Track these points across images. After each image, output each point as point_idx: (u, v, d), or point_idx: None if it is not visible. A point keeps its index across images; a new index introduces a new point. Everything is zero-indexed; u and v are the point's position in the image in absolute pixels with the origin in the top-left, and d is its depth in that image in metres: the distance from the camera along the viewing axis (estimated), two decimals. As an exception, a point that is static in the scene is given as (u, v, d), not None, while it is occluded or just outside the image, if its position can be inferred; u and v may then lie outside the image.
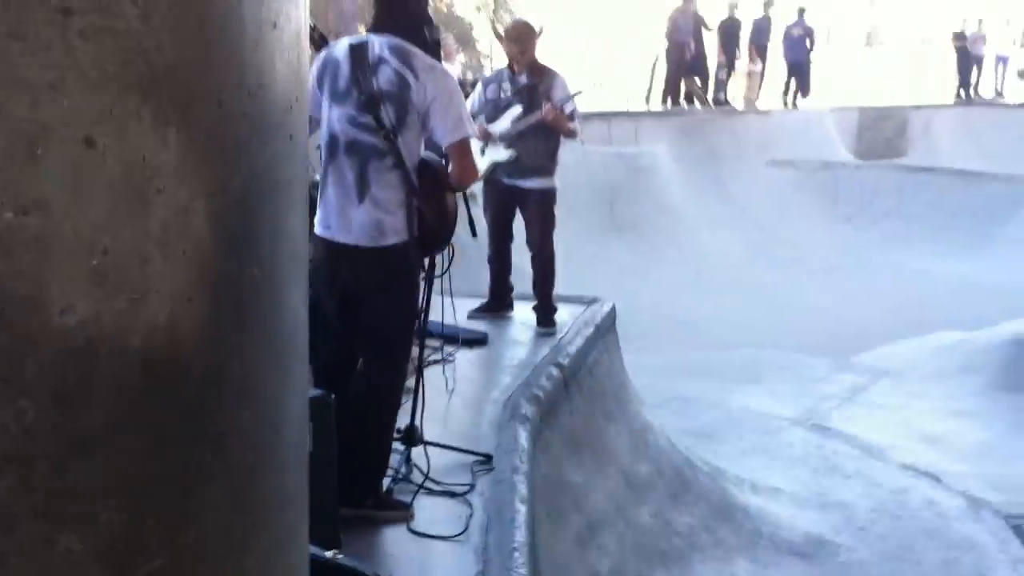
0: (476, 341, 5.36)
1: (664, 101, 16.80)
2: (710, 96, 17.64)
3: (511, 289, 6.08)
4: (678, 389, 8.54)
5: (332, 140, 3.47)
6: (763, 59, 18.64)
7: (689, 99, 17.37)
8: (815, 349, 10.37)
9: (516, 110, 5.74)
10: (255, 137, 1.58)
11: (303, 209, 1.92)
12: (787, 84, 19.09)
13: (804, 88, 18.98)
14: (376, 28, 3.54)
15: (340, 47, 3.54)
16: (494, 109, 5.81)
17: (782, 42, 18.72)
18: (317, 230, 3.53)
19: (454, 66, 14.28)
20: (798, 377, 9.41)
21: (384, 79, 3.41)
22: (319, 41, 3.96)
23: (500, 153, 5.75)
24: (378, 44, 3.46)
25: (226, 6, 1.53)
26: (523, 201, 5.83)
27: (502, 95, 5.79)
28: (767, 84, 19.36)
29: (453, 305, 4.81)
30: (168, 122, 1.40)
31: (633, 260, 13.17)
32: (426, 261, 3.71)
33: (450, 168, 3.57)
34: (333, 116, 3.47)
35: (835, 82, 22.48)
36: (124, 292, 1.36)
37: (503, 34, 6.02)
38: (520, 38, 5.81)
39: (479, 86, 6.07)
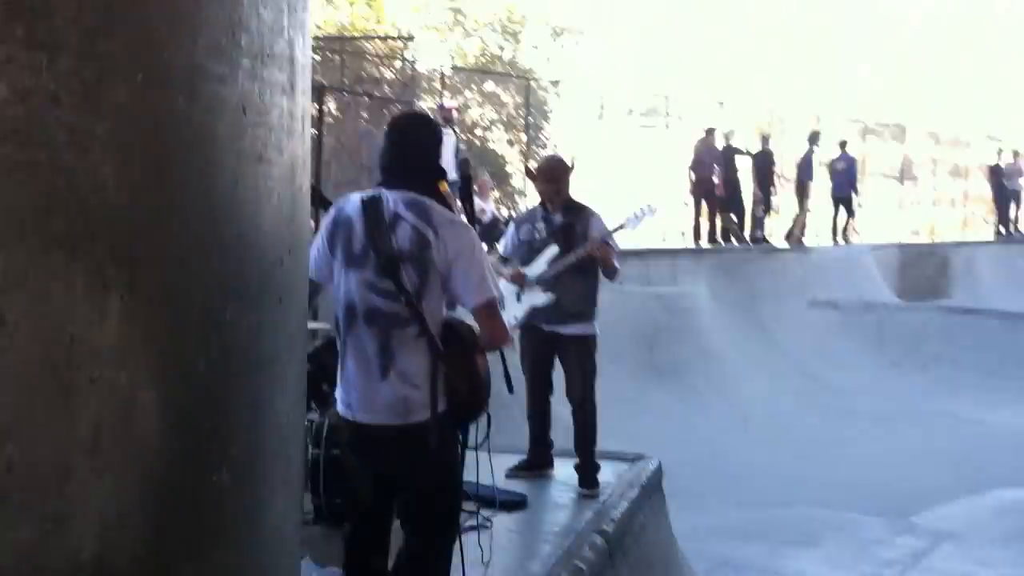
0: (515, 504, 4.88)
1: (696, 239, 16.53)
2: (747, 233, 17.36)
3: (551, 445, 5.62)
4: (727, 553, 7.92)
5: (350, 309, 3.14)
6: (806, 195, 18.38)
7: (725, 236, 17.09)
8: (870, 507, 9.68)
9: (553, 250, 5.40)
10: (231, 303, 1.17)
11: (297, 390, 1.50)
12: (835, 219, 18.82)
13: (851, 217, 18.73)
14: (388, 182, 3.20)
15: (351, 204, 3.21)
16: (529, 251, 5.47)
17: (830, 177, 18.55)
18: (339, 409, 3.21)
19: (488, 202, 14.16)
20: (855, 540, 8.74)
21: (403, 238, 3.09)
22: (319, 203, 3.71)
23: (537, 297, 5.39)
24: (392, 199, 3.14)
25: (196, 131, 1.15)
26: (563, 349, 5.44)
27: (536, 236, 5.46)
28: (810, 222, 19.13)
29: (491, 464, 4.48)
30: (108, 286, 1.01)
31: (676, 407, 12.65)
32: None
33: (478, 330, 3.21)
34: (350, 282, 3.14)
35: (873, 219, 22.22)
36: (33, 518, 0.96)
37: (535, 172, 5.66)
38: (554, 176, 5.47)
39: (511, 227, 5.75)
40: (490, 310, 3.14)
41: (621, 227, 5.67)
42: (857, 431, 13.02)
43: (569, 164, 5.67)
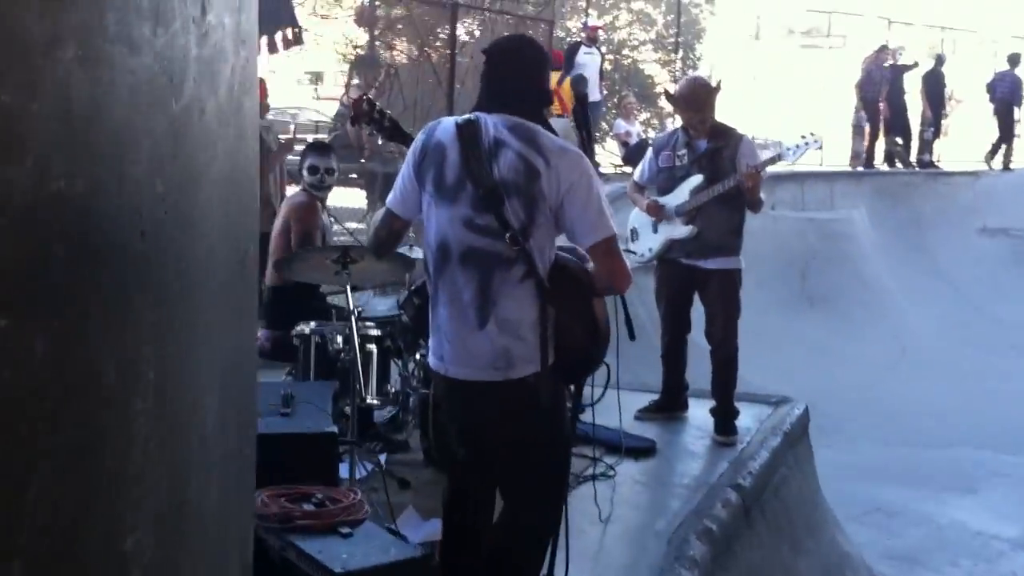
0: (642, 451, 4.61)
1: (867, 164, 15.62)
2: (913, 157, 16.34)
3: (687, 387, 5.31)
4: (879, 498, 7.51)
5: (442, 249, 2.77)
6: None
7: (890, 160, 16.14)
8: (1039, 451, 9.05)
9: (696, 180, 4.97)
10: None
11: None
12: (996, 143, 17.52)
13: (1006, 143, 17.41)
14: (486, 105, 2.82)
15: (443, 129, 2.81)
16: (669, 178, 5.08)
17: (989, 95, 17.21)
18: (430, 361, 2.89)
19: (634, 125, 13.71)
20: (1019, 486, 8.17)
21: (506, 166, 2.69)
22: (378, 119, 3.43)
23: (678, 229, 5.02)
24: (492, 124, 2.75)
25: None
26: (704, 284, 5.05)
27: (677, 162, 5.04)
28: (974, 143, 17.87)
29: (619, 404, 4.23)
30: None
31: (827, 337, 12.08)
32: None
33: (593, 271, 2.81)
34: (442, 218, 2.77)
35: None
36: None
37: (676, 97, 5.14)
38: (698, 103, 4.98)
39: (649, 153, 5.31)
40: (609, 249, 2.72)
41: (778, 157, 5.13)
42: (1024, 368, 12.21)
43: (714, 86, 5.17)
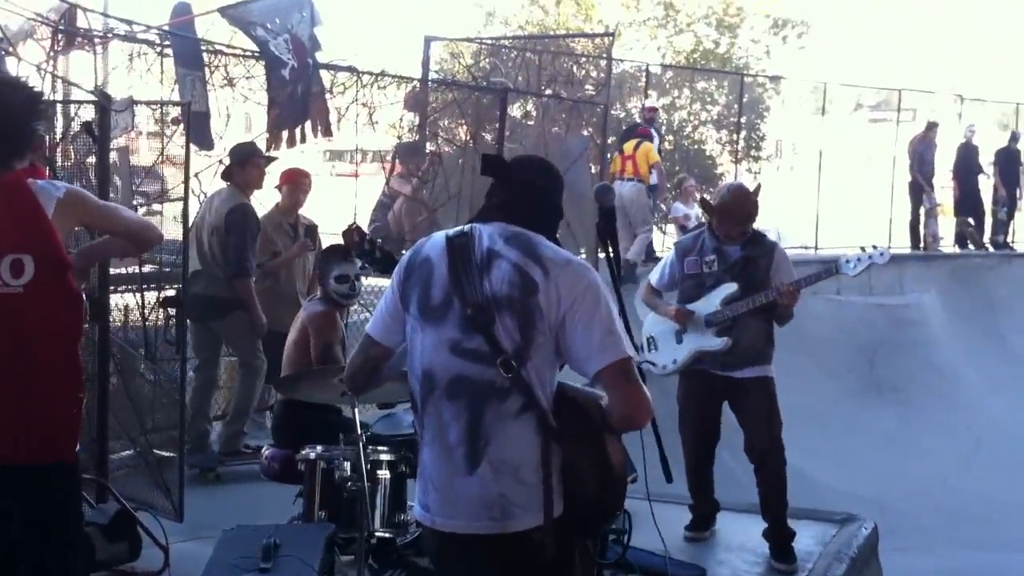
0: (689, 582, 4.20)
1: (914, 246, 15.07)
2: (987, 238, 15.75)
3: (718, 508, 4.90)
4: (954, 609, 6.94)
5: (427, 378, 2.44)
6: None
7: (962, 242, 15.57)
8: None
9: (730, 288, 4.65)
10: None
11: None
12: None
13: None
14: (484, 216, 2.52)
15: (432, 244, 2.52)
16: (696, 286, 4.73)
17: None
18: (415, 512, 2.52)
19: (693, 207, 13.38)
20: (1115, 600, 7.51)
21: (499, 279, 2.38)
22: (369, 250, 3.13)
23: (710, 341, 4.67)
24: (486, 234, 2.46)
25: None
26: (740, 395, 4.70)
27: (705, 268, 4.70)
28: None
29: (659, 531, 3.83)
30: None
31: (898, 428, 11.55)
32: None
33: (606, 403, 2.41)
34: (427, 343, 2.44)
35: None
36: None
37: (718, 207, 4.68)
38: (744, 214, 4.66)
39: (670, 255, 4.91)
40: (622, 374, 2.34)
41: (829, 272, 4.77)
42: (1113, 461, 11.44)
43: (754, 191, 4.84)
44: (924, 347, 12.93)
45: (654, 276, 4.93)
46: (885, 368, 12.38)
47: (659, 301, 4.88)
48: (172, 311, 4.75)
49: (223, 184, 6.21)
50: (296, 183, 6.54)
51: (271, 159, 6.43)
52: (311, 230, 6.50)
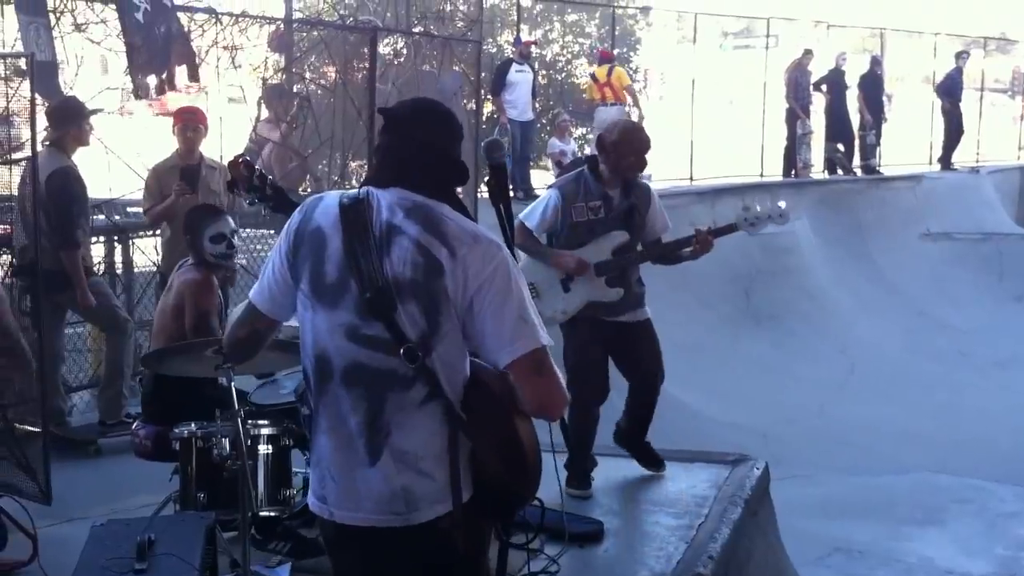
0: (588, 536, 4.08)
1: (787, 174, 15.39)
2: (856, 162, 16.15)
3: (595, 464, 4.81)
4: (839, 535, 7.11)
5: (321, 363, 2.23)
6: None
7: (832, 168, 15.93)
8: (998, 471, 8.73)
9: (620, 237, 4.57)
10: None
11: None
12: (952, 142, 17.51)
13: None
14: (380, 178, 2.29)
15: (324, 209, 2.26)
16: (587, 233, 4.58)
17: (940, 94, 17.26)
18: (310, 503, 2.32)
19: (569, 143, 13.28)
20: (985, 514, 7.83)
21: (400, 259, 2.17)
22: (259, 186, 2.86)
23: (603, 292, 4.58)
24: (385, 203, 2.23)
25: None
26: (630, 339, 4.68)
27: (591, 215, 4.56)
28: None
29: (560, 486, 3.76)
30: None
31: (775, 355, 11.79)
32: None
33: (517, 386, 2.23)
34: (321, 325, 2.22)
35: (990, 141, 20.67)
36: None
37: (615, 143, 4.52)
38: (647, 147, 4.56)
39: (552, 199, 4.62)
40: (537, 365, 2.16)
41: (732, 228, 4.67)
42: (977, 378, 12.02)
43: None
44: (797, 274, 13.18)
45: (531, 219, 4.64)
46: (761, 297, 12.59)
47: (544, 247, 4.67)
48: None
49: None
50: (184, 122, 6.14)
51: (93, 112, 5.89)
52: (188, 172, 6.05)
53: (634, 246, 4.64)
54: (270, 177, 3.03)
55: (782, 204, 4.69)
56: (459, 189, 2.46)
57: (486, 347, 2.19)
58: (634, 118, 12.82)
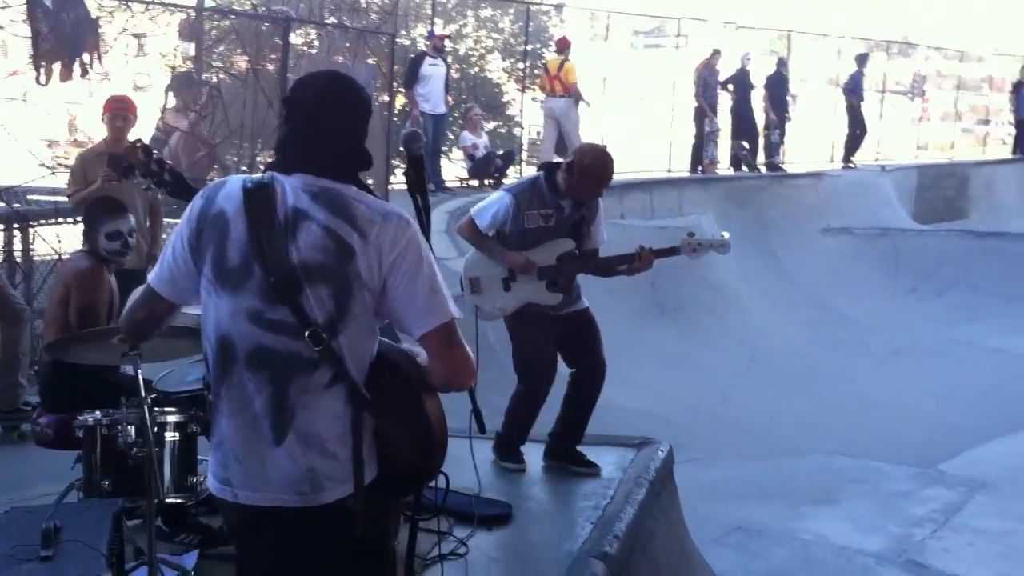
0: (497, 519, 4.17)
1: (694, 170, 15.74)
2: (760, 160, 16.57)
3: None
4: (739, 516, 7.32)
5: (224, 348, 2.23)
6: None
7: (737, 164, 16.32)
8: (892, 454, 9.08)
9: (567, 245, 4.74)
10: None
11: None
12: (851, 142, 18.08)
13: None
14: (284, 164, 2.27)
15: (227, 193, 2.25)
16: (536, 238, 4.73)
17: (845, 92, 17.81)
18: (211, 485, 2.31)
19: (481, 136, 13.37)
20: (879, 493, 8.13)
21: (308, 244, 2.18)
22: (157, 171, 2.87)
23: (543, 295, 4.74)
24: (289, 188, 2.23)
25: None
26: (579, 327, 4.87)
27: (543, 222, 4.71)
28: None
29: (476, 468, 3.86)
30: None
31: (680, 346, 12.05)
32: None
33: (425, 362, 2.31)
34: (223, 310, 2.22)
35: (889, 140, 21.39)
36: None
37: (584, 169, 4.61)
38: (609, 178, 4.73)
39: (506, 202, 4.75)
40: (447, 338, 2.22)
41: (674, 251, 4.92)
42: (874, 366, 12.45)
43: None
44: (702, 267, 13.38)
45: (482, 219, 4.76)
46: (666, 288, 12.82)
47: (495, 245, 4.78)
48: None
49: None
50: (113, 111, 6.07)
51: None
52: (115, 159, 5.95)
53: (577, 255, 4.79)
54: (168, 163, 3.03)
55: (725, 235, 4.96)
56: (369, 181, 2.50)
57: (400, 319, 2.23)
58: (580, 111, 13.28)
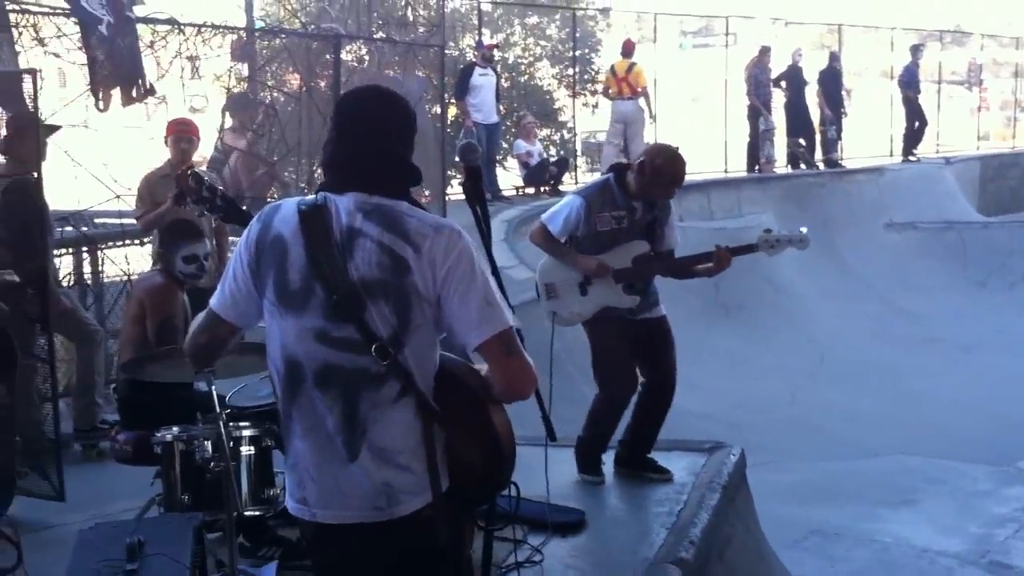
0: (571, 526, 4.14)
1: (751, 169, 15.56)
2: (818, 157, 16.34)
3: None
4: (816, 519, 7.20)
5: (292, 369, 2.25)
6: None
7: (795, 163, 16.12)
8: (970, 452, 8.88)
9: (641, 247, 4.68)
10: None
11: None
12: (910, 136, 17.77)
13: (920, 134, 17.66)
14: (335, 183, 2.29)
15: (283, 216, 2.28)
16: (610, 240, 4.68)
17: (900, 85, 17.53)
18: (289, 506, 2.32)
19: (534, 144, 13.37)
20: (958, 494, 7.95)
21: (365, 262, 2.20)
22: (209, 197, 2.89)
23: (620, 298, 4.68)
24: (343, 208, 2.25)
25: None
26: (655, 334, 4.81)
27: (615, 224, 4.65)
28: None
29: (547, 476, 3.83)
30: None
31: (745, 347, 11.90)
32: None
33: (487, 372, 2.30)
34: (289, 332, 2.24)
35: (948, 131, 20.99)
36: None
37: (656, 170, 4.53)
38: (682, 177, 4.65)
39: (577, 207, 4.70)
40: (505, 346, 2.22)
41: (752, 248, 4.79)
42: (945, 363, 12.20)
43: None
44: (765, 267, 13.26)
45: (554, 224, 4.73)
46: (729, 290, 12.66)
47: (568, 249, 4.75)
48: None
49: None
50: (176, 134, 6.16)
51: (53, 128, 5.88)
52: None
53: (652, 256, 4.74)
54: (220, 188, 3.06)
55: (803, 229, 4.80)
56: (427, 192, 2.50)
57: (457, 332, 2.23)
58: (647, 116, 13.38)
